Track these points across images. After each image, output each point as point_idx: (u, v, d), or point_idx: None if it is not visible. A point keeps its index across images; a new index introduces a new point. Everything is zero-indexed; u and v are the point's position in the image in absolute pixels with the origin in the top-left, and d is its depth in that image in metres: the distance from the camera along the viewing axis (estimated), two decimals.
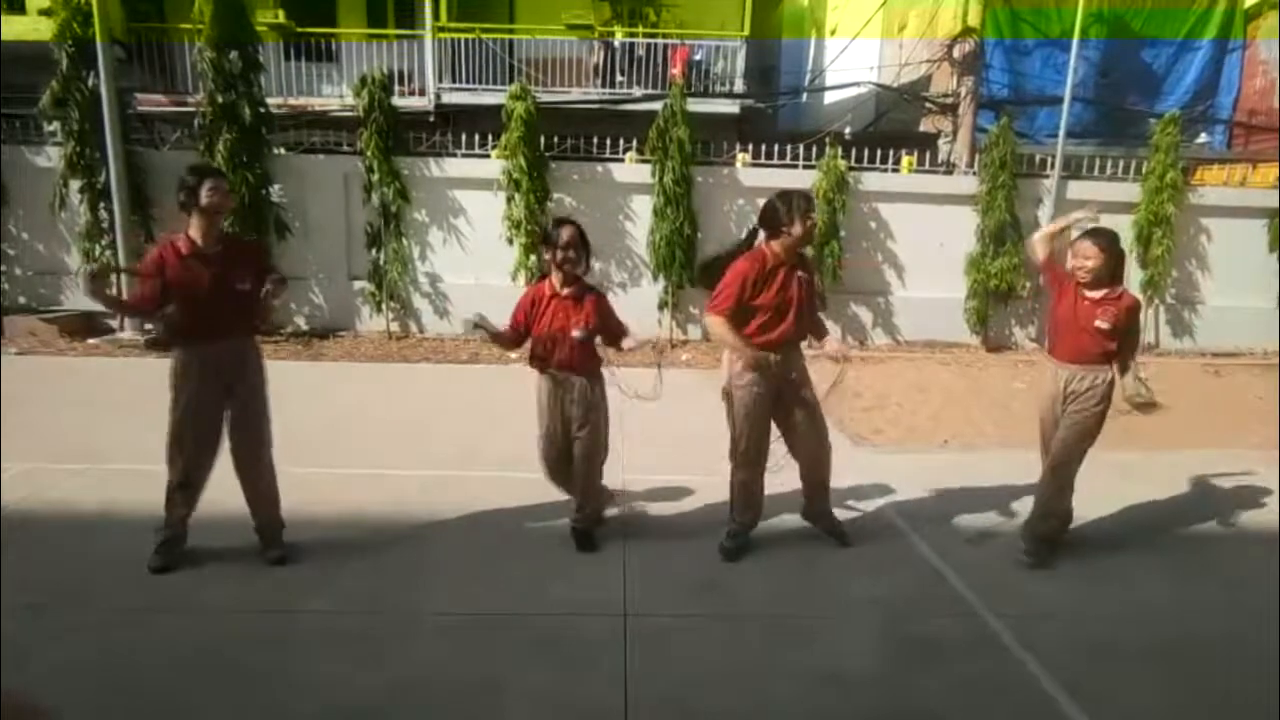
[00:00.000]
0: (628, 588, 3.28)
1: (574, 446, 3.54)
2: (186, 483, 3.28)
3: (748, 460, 3.53)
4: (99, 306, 4.02)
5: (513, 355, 3.72)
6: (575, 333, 3.36)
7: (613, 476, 4.51)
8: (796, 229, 3.30)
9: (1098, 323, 3.40)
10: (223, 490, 3.40)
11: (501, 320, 3.56)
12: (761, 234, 3.40)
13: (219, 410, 3.27)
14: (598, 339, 3.52)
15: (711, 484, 4.40)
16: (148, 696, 2.53)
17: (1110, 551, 3.78)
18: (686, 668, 2.75)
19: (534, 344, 3.48)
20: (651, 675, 2.68)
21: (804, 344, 3.58)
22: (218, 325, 3.18)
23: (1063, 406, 3.52)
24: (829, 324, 3.70)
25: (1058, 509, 3.64)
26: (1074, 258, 3.45)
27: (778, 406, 3.49)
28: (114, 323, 8.86)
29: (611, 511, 3.96)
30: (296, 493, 3.58)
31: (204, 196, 3.10)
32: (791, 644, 2.92)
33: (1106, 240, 3.40)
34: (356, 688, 2.58)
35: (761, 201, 10.45)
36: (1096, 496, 4.15)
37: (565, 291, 3.42)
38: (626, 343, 3.49)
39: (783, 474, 3.67)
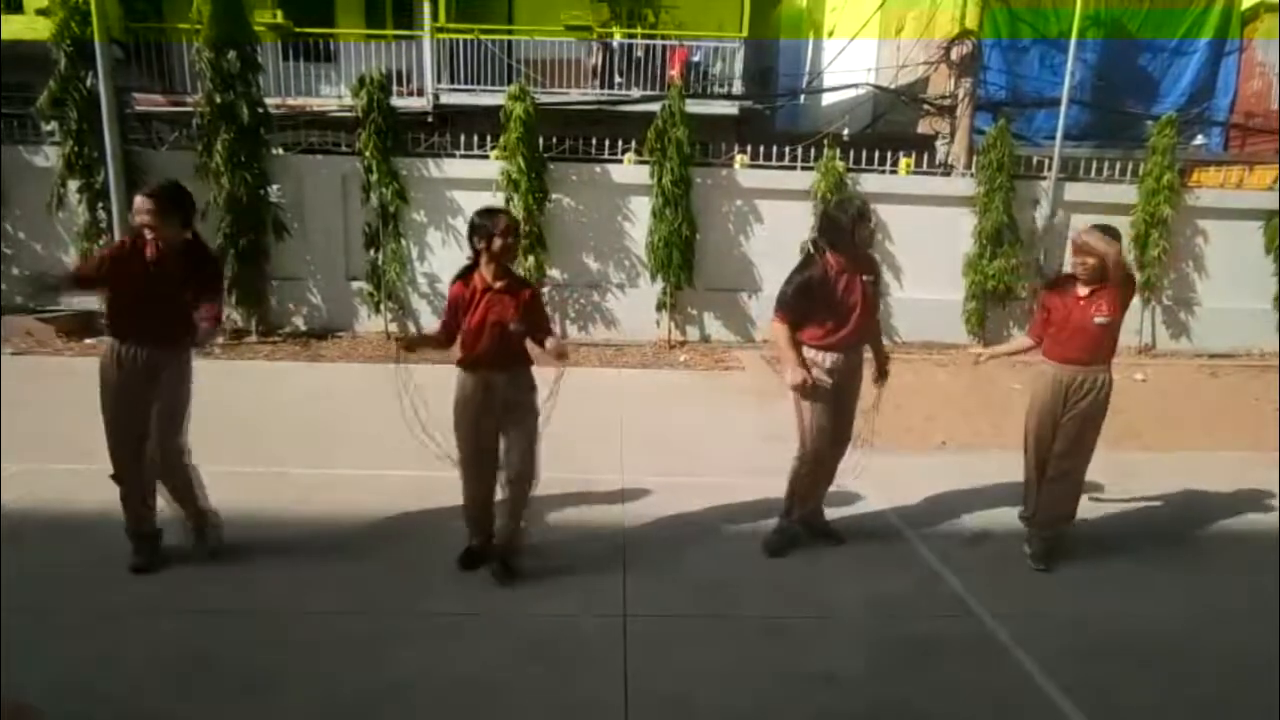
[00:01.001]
0: (627, 588, 3.28)
1: (505, 452, 3.26)
2: (119, 480, 3.29)
3: (817, 458, 3.58)
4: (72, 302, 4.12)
5: None
6: (511, 325, 3.18)
7: (612, 476, 4.53)
8: (856, 236, 3.40)
9: (1096, 319, 3.39)
10: (220, 491, 3.41)
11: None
12: (822, 243, 3.47)
13: (141, 409, 3.23)
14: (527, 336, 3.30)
15: (710, 484, 4.42)
16: (146, 696, 2.52)
17: (1108, 552, 3.78)
18: (686, 668, 2.75)
19: (463, 340, 3.28)
20: (651, 675, 2.69)
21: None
22: (141, 326, 3.18)
23: (1064, 410, 3.48)
24: None
25: (1065, 513, 3.63)
26: (1075, 254, 3.45)
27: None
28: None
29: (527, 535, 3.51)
30: (295, 493, 3.58)
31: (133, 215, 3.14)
32: (790, 644, 2.93)
33: (1111, 239, 3.38)
34: (354, 688, 2.58)
35: (759, 203, 10.35)
36: (1094, 497, 4.16)
37: (499, 284, 3.22)
38: (550, 342, 3.27)
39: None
